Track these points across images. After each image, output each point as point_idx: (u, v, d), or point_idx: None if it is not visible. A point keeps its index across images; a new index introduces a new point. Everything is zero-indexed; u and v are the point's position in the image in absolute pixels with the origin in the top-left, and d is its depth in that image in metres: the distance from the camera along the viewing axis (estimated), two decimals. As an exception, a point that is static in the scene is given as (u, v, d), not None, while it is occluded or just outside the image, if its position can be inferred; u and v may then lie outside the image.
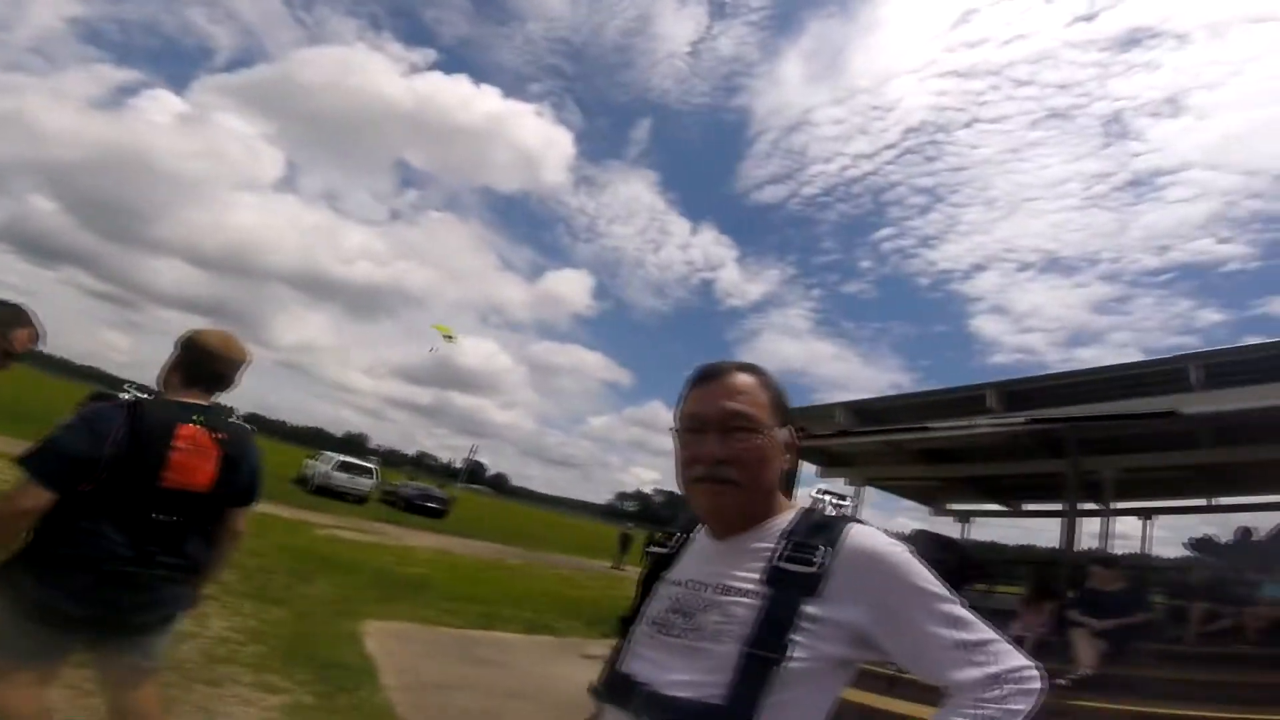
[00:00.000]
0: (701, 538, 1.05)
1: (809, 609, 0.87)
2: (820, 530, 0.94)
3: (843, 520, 0.96)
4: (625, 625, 1.05)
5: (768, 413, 1.00)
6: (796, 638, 0.85)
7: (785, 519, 0.99)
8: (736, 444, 0.96)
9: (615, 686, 0.94)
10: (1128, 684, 4.14)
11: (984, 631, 0.89)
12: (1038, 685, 0.86)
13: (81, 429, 1.80)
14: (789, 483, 1.04)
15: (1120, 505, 7.86)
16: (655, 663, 0.92)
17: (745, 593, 0.90)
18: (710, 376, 1.03)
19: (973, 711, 0.83)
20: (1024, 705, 0.84)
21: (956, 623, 0.88)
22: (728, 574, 0.94)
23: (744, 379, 1.02)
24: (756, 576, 0.91)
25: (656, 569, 1.07)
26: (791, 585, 0.89)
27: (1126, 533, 9.46)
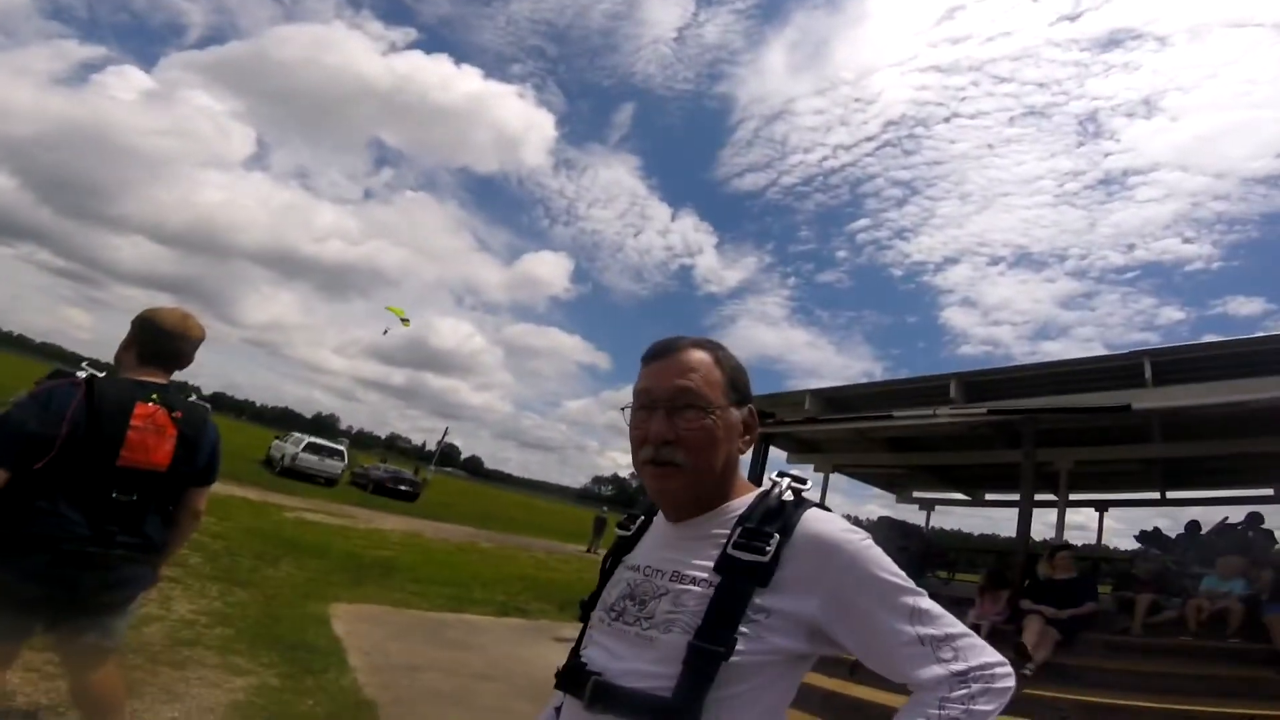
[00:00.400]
0: (660, 521, 1.01)
1: (760, 600, 0.83)
2: (774, 516, 0.89)
3: (799, 506, 0.91)
4: (586, 610, 1.02)
5: (720, 391, 0.95)
6: (746, 630, 0.82)
7: (743, 503, 0.94)
8: (684, 424, 0.92)
9: (570, 674, 0.92)
10: (1074, 673, 4.31)
11: (949, 625, 0.85)
12: (1008, 684, 0.83)
13: (34, 406, 1.77)
14: (757, 467, 1.00)
15: (1076, 497, 8.18)
16: (608, 651, 0.90)
17: (696, 580, 0.87)
18: (663, 353, 0.98)
19: (936, 712, 0.79)
20: (992, 705, 0.80)
21: (918, 616, 0.83)
22: (681, 560, 0.91)
23: (697, 355, 0.96)
24: (709, 564, 0.88)
25: (617, 552, 1.05)
26: (742, 575, 0.85)
27: (1083, 524, 9.86)
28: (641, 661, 0.85)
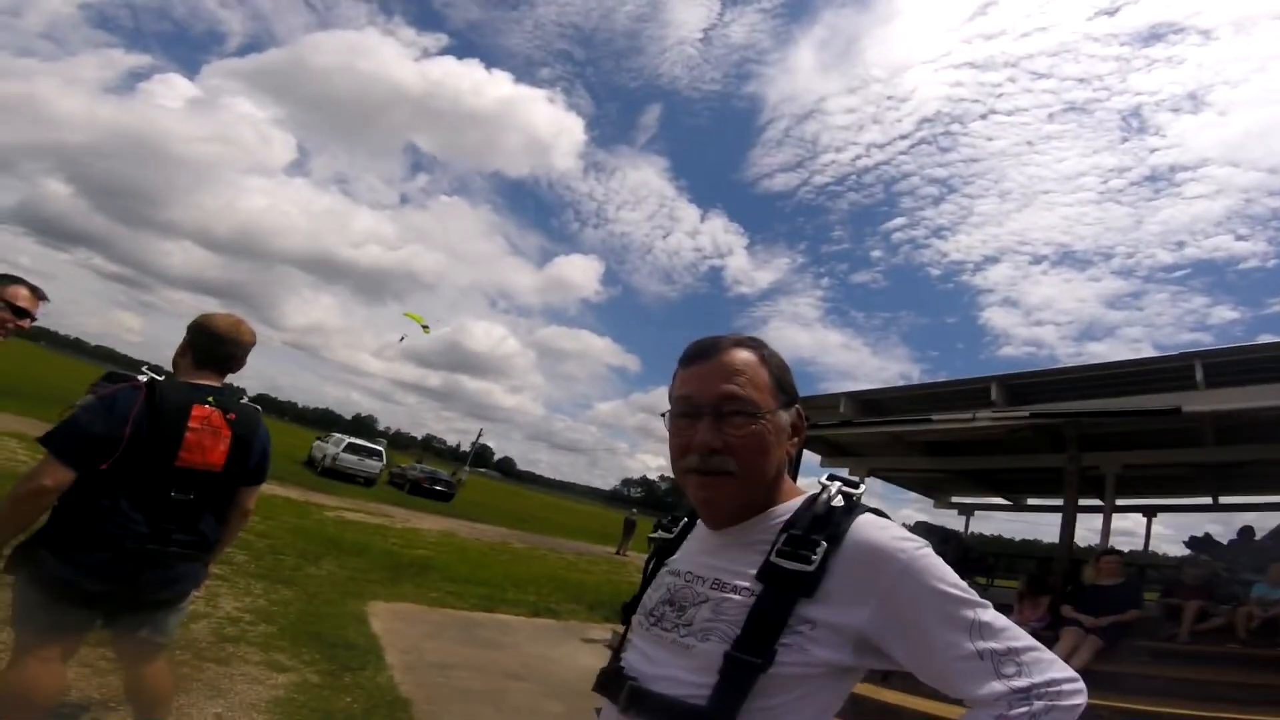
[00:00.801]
0: (701, 525, 0.98)
1: (804, 611, 0.79)
2: (823, 523, 0.84)
3: (850, 511, 0.85)
4: (627, 613, 1.00)
5: (768, 394, 0.90)
6: (788, 641, 0.78)
7: (788, 508, 0.89)
8: (733, 431, 0.87)
9: (608, 678, 0.90)
10: (1117, 680, 4.17)
11: (1014, 639, 0.78)
12: (1077, 701, 0.76)
13: (100, 409, 1.86)
14: (791, 471, 0.95)
15: (1123, 502, 7.86)
16: (646, 656, 0.88)
17: (738, 589, 0.83)
18: (704, 354, 0.92)
19: None
20: None
21: (979, 630, 0.77)
22: (722, 567, 0.87)
23: (742, 356, 0.91)
24: (752, 572, 0.83)
25: (660, 555, 1.02)
26: (785, 584, 0.80)
27: (1130, 529, 9.45)
28: (677, 669, 0.83)
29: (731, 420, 0.87)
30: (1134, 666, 4.38)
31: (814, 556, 0.80)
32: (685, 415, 0.90)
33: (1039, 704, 0.74)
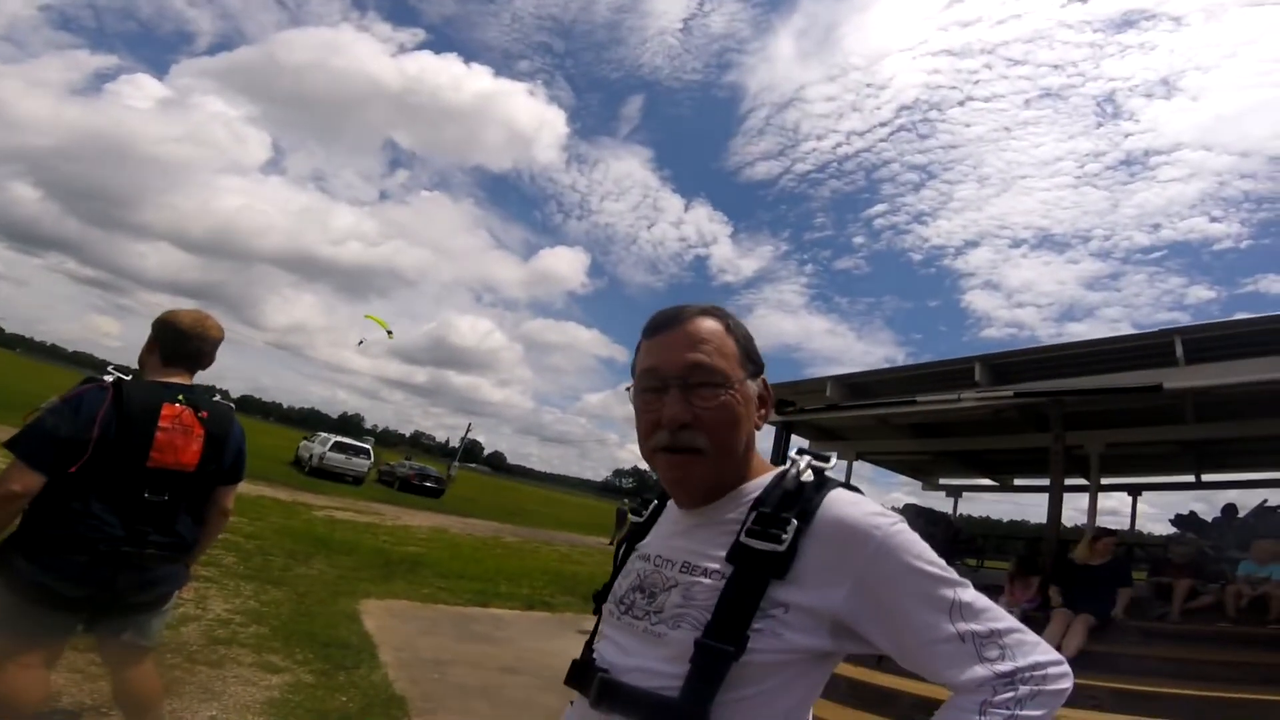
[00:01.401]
0: (672, 506, 0.93)
1: (777, 594, 0.75)
2: (793, 499, 0.79)
3: (821, 487, 0.81)
4: (599, 601, 0.95)
5: (735, 363, 0.85)
6: (760, 626, 0.74)
7: (758, 484, 0.85)
8: (701, 403, 0.82)
9: (579, 670, 0.86)
10: (1110, 660, 4.23)
11: (996, 620, 0.74)
12: (1063, 685, 0.72)
13: (66, 411, 1.82)
14: (779, 458, 0.92)
15: (1108, 481, 8.00)
16: (618, 646, 0.84)
17: (708, 572, 0.79)
18: (667, 324, 0.88)
19: (976, 717, 0.70)
20: (1042, 710, 0.70)
21: (960, 610, 0.73)
22: (692, 549, 0.83)
23: (707, 324, 0.86)
24: (721, 554, 0.79)
25: (631, 539, 0.97)
26: (756, 566, 0.76)
27: (1115, 508, 9.64)
28: (650, 659, 0.79)
29: (699, 392, 0.83)
30: (1126, 646, 4.43)
31: (784, 536, 0.76)
32: (651, 389, 0.86)
33: (1024, 689, 0.70)
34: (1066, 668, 0.74)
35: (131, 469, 1.88)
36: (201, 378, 2.17)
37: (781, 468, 0.86)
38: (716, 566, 0.79)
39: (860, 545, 0.75)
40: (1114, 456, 7.16)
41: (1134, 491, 8.54)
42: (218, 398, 2.15)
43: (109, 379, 1.93)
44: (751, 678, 0.74)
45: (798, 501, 0.79)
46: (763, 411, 0.89)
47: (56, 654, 1.92)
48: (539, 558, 12.11)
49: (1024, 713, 0.69)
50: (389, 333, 27.27)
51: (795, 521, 0.77)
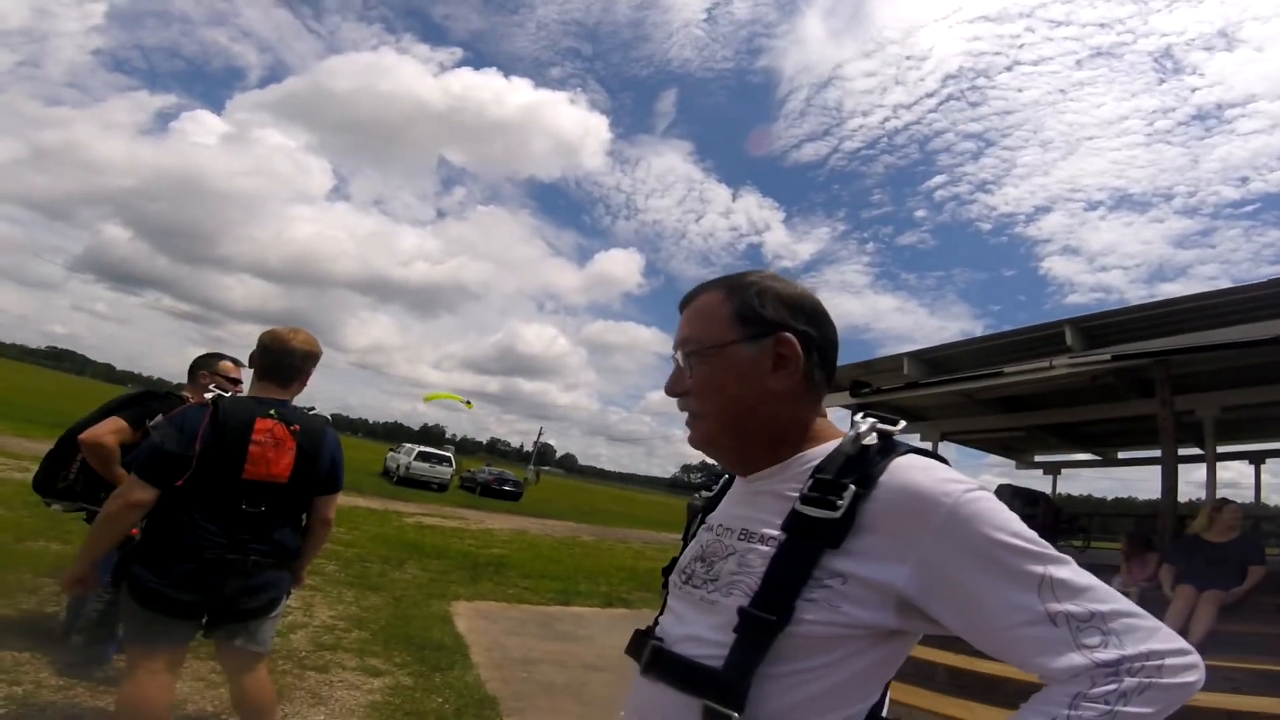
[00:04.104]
0: (737, 478, 0.92)
1: (834, 564, 0.70)
2: (854, 465, 0.74)
3: (886, 453, 0.74)
4: (666, 575, 0.95)
5: (721, 327, 0.84)
6: (816, 597, 0.69)
7: (821, 450, 0.81)
8: (691, 372, 0.87)
9: (636, 640, 0.87)
10: (1245, 641, 3.83)
11: (1099, 600, 0.64)
12: (1185, 679, 0.62)
13: (171, 429, 2.01)
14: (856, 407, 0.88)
15: (1225, 449, 7.20)
16: (676, 615, 0.83)
17: (764, 539, 0.76)
18: (680, 305, 0.93)
19: (1065, 712, 0.61)
20: (1153, 707, 0.60)
21: (1051, 587, 0.64)
22: (750, 517, 0.81)
23: (703, 299, 0.89)
24: (778, 521, 0.76)
25: (701, 513, 0.97)
26: (809, 533, 0.72)
27: (1235, 480, 8.68)
28: (701, 627, 0.77)
29: (690, 361, 0.87)
30: (1264, 625, 4.00)
31: (840, 502, 0.70)
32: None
33: (1130, 680, 0.60)
34: (1194, 659, 0.63)
35: (229, 481, 2.02)
36: (296, 390, 2.28)
37: (848, 433, 0.82)
38: (774, 533, 0.75)
39: (927, 515, 0.68)
40: (1231, 421, 6.41)
41: (1256, 459, 7.63)
42: (313, 411, 2.28)
43: (209, 396, 2.11)
44: (801, 650, 0.69)
45: (859, 467, 0.74)
46: (779, 372, 0.82)
47: (178, 661, 2.08)
48: (615, 556, 12.26)
49: (1128, 709, 0.59)
50: (467, 404, 28.82)
51: (853, 487, 0.71)
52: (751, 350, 0.83)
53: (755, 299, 0.85)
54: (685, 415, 0.89)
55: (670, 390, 0.89)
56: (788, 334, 0.83)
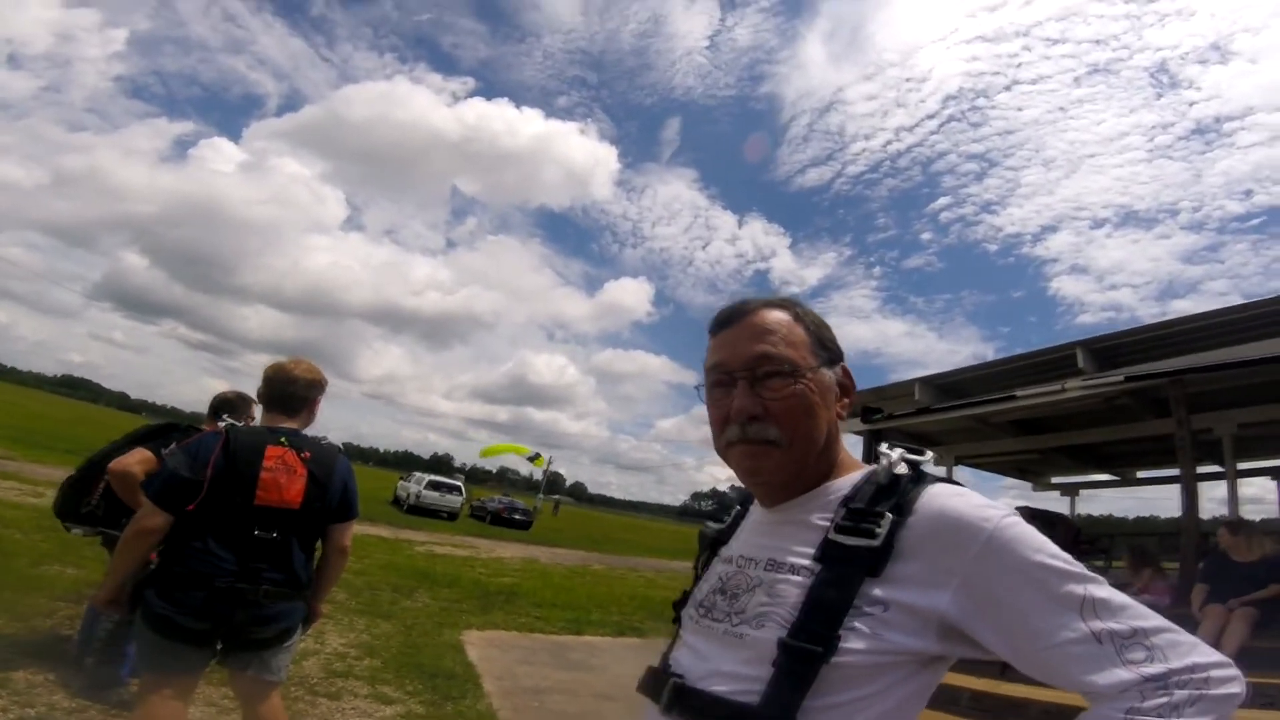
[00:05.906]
0: (756, 508, 0.89)
1: (874, 592, 0.69)
2: (887, 493, 0.74)
3: (920, 481, 0.75)
4: (678, 609, 0.91)
5: (806, 351, 0.82)
6: (859, 625, 0.68)
7: (847, 481, 0.80)
8: (771, 394, 0.79)
9: (651, 678, 0.82)
10: (1275, 657, 3.72)
11: (1139, 618, 0.65)
12: (1231, 691, 0.62)
13: (185, 456, 2.05)
14: (869, 460, 0.85)
15: (1245, 465, 7.07)
16: (695, 651, 0.79)
17: (796, 569, 0.74)
18: (733, 317, 0.85)
19: None
20: (1207, 718, 0.60)
21: (1093, 607, 0.64)
22: (778, 547, 0.78)
23: (773, 315, 0.84)
24: (810, 551, 0.74)
25: (712, 545, 0.93)
26: (848, 562, 0.71)
27: (1258, 495, 8.49)
28: (728, 662, 0.73)
29: (768, 383, 0.80)
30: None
31: (878, 530, 0.71)
32: (719, 385, 0.83)
33: (1181, 693, 0.60)
34: (1235, 671, 0.64)
35: (240, 507, 2.05)
36: (305, 420, 2.32)
37: (873, 466, 0.82)
38: (805, 563, 0.74)
39: (968, 540, 0.68)
40: (1249, 438, 6.32)
41: (1277, 475, 7.51)
42: (325, 440, 2.31)
43: (222, 424, 2.16)
44: (844, 681, 0.68)
45: (893, 495, 0.74)
46: (845, 401, 0.85)
47: (190, 688, 2.07)
48: (626, 584, 12.12)
49: None
50: (536, 458, 27.38)
51: (890, 515, 0.72)
52: (830, 377, 0.83)
53: (819, 325, 0.85)
54: (731, 437, 0.81)
55: (746, 411, 0.79)
56: (844, 365, 0.86)
